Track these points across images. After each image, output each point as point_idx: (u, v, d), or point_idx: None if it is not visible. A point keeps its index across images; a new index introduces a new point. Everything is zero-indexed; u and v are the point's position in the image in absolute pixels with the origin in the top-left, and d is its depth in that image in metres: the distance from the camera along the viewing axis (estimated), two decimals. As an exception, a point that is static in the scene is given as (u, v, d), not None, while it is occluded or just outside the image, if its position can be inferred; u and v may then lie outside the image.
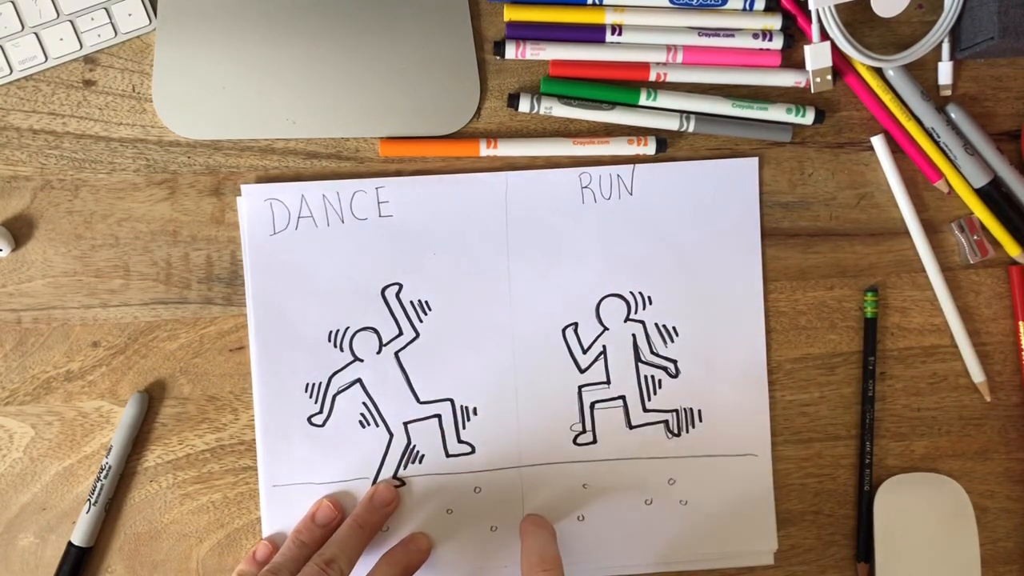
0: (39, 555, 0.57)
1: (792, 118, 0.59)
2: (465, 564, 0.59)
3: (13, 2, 0.56)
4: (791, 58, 0.60)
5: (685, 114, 0.59)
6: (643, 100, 0.59)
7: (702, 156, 0.60)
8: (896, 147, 0.60)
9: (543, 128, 0.59)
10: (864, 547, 0.60)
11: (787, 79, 0.59)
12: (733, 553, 0.60)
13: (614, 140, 0.58)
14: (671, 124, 0.59)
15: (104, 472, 0.56)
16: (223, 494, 0.58)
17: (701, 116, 0.59)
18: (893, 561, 0.59)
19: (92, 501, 0.56)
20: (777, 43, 0.59)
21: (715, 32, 0.59)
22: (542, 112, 0.58)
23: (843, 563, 0.61)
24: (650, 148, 0.59)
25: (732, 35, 0.59)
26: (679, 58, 0.59)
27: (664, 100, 0.59)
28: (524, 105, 0.58)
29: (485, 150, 0.58)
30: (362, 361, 0.58)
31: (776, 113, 0.59)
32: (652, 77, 0.59)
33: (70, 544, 0.56)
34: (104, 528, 0.57)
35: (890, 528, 0.59)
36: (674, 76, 0.59)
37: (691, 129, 0.59)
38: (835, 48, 0.58)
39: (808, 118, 0.59)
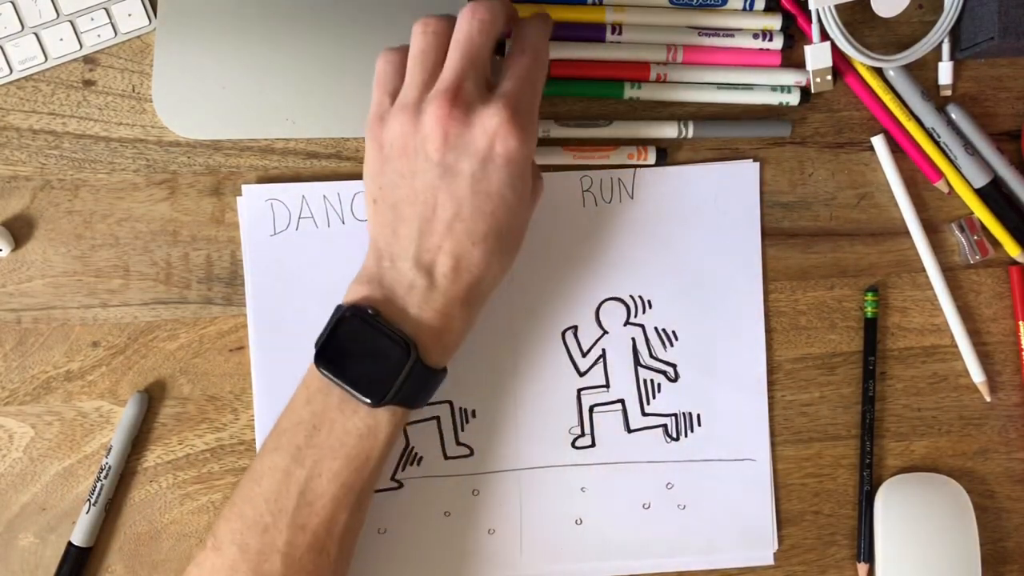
0: (39, 555, 0.57)
1: (778, 96, 0.59)
2: (462, 568, 0.59)
3: (13, 2, 0.56)
4: (791, 58, 0.60)
5: (683, 120, 0.58)
6: (627, 93, 0.58)
7: (703, 157, 0.60)
8: (896, 147, 0.60)
9: (543, 136, 0.59)
10: (864, 547, 0.60)
11: (787, 79, 0.59)
12: (732, 557, 0.60)
13: (614, 154, 0.58)
14: (670, 132, 0.58)
15: (104, 472, 0.56)
16: (223, 494, 0.58)
17: (699, 120, 0.59)
18: (893, 561, 0.59)
19: (92, 501, 0.56)
20: (777, 43, 0.59)
21: (715, 32, 0.58)
22: (539, 134, 0.58)
23: (843, 563, 0.61)
24: (650, 159, 0.59)
25: (732, 35, 0.59)
26: (679, 57, 0.58)
27: (649, 91, 0.59)
28: None
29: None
30: (361, 362, 0.58)
31: (762, 94, 0.59)
32: (652, 77, 0.59)
33: (70, 544, 0.56)
34: (104, 528, 0.57)
35: (890, 528, 0.59)
36: (674, 76, 0.59)
37: (690, 135, 0.58)
38: (835, 48, 0.58)
39: (794, 97, 0.59)
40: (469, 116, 0.48)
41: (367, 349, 0.48)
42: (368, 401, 0.48)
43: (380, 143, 0.50)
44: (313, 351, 0.49)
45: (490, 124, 0.48)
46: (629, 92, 0.59)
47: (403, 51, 0.51)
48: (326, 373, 0.48)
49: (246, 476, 0.49)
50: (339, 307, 0.50)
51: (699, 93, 0.59)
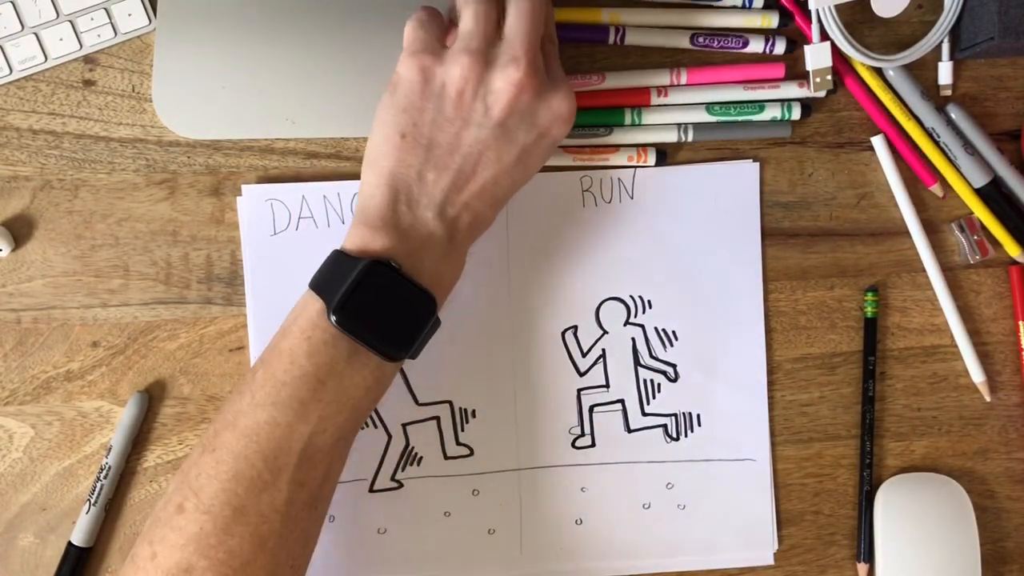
0: (39, 555, 0.57)
1: (781, 117, 0.59)
2: (462, 568, 0.59)
3: (13, 2, 0.56)
4: (793, 67, 0.59)
5: (683, 126, 0.58)
6: (627, 120, 0.58)
7: (702, 158, 0.60)
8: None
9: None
10: (864, 547, 0.60)
11: (789, 93, 0.59)
12: (732, 557, 0.60)
13: (614, 156, 0.58)
14: (669, 137, 0.58)
15: (104, 472, 0.56)
16: (223, 494, 0.58)
17: (699, 125, 0.59)
18: (893, 561, 0.59)
19: (92, 501, 0.56)
20: (780, 48, 0.58)
21: (714, 35, 0.58)
22: None
23: (843, 563, 0.61)
24: (650, 161, 0.58)
25: (732, 40, 0.58)
26: (682, 79, 0.58)
27: (649, 117, 0.58)
28: None
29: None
30: (361, 362, 0.58)
31: (764, 113, 0.59)
32: (653, 101, 0.58)
33: (70, 544, 0.56)
34: (104, 528, 0.57)
35: (890, 528, 0.59)
36: (675, 97, 0.58)
37: (690, 139, 0.58)
38: (835, 48, 0.58)
39: (795, 113, 0.59)
40: (541, 90, 0.49)
41: (388, 303, 0.47)
42: (391, 356, 0.47)
43: (429, 76, 0.49)
44: (324, 303, 0.47)
45: (559, 107, 0.50)
46: (629, 119, 0.58)
47: (436, 11, 0.52)
48: (345, 329, 0.46)
49: (235, 432, 0.46)
50: (343, 254, 0.48)
51: (698, 116, 0.59)
